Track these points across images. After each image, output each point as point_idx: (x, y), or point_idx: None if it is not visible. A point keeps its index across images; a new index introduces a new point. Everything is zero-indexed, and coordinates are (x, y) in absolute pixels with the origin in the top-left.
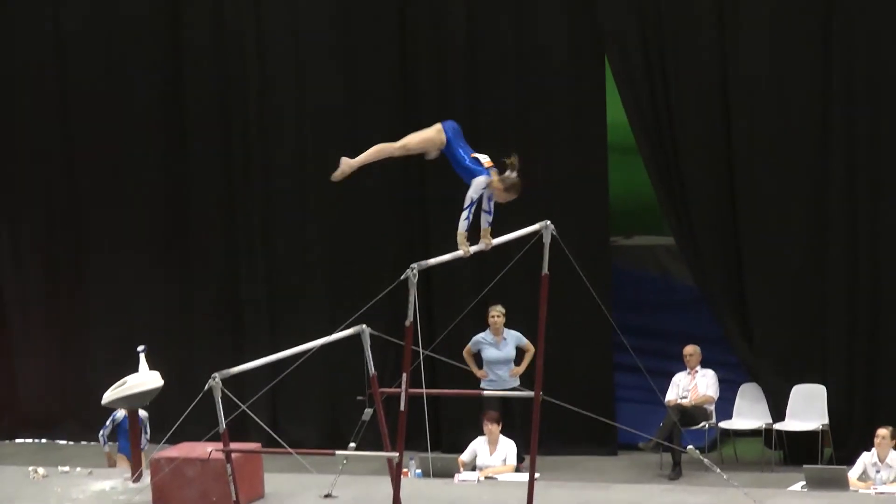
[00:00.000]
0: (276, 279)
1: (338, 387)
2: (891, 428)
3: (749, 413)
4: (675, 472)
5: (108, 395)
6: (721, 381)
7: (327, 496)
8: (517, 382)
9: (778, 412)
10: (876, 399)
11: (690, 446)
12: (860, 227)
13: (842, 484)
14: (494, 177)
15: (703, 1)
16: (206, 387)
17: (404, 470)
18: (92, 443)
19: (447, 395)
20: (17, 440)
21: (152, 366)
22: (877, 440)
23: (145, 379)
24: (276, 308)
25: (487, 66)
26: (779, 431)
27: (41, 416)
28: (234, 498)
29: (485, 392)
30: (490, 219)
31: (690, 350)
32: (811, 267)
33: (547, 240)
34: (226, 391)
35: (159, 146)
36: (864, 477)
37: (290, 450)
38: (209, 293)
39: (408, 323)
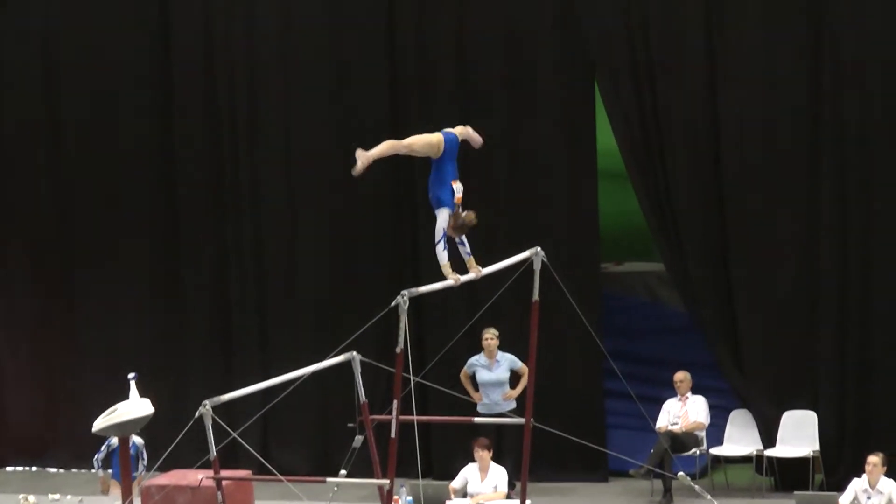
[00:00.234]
0: (266, 306)
1: (328, 414)
2: (881, 455)
3: (740, 439)
4: (666, 499)
5: (99, 423)
6: (712, 408)
7: None
8: (512, 405)
9: (769, 438)
10: (867, 425)
11: (681, 473)
12: (850, 253)
13: None
14: (455, 210)
15: (693, 28)
16: (197, 414)
17: (395, 497)
18: (82, 470)
19: (438, 422)
20: (7, 468)
21: (143, 393)
22: (868, 468)
23: (136, 406)
24: (266, 335)
25: (477, 91)
26: (770, 458)
27: (31, 443)
28: None
29: (475, 419)
30: (467, 249)
31: (681, 376)
32: (801, 293)
33: (537, 266)
34: (216, 418)
35: (149, 174)
36: (855, 503)
37: (280, 477)
38: (200, 321)
39: (398, 350)
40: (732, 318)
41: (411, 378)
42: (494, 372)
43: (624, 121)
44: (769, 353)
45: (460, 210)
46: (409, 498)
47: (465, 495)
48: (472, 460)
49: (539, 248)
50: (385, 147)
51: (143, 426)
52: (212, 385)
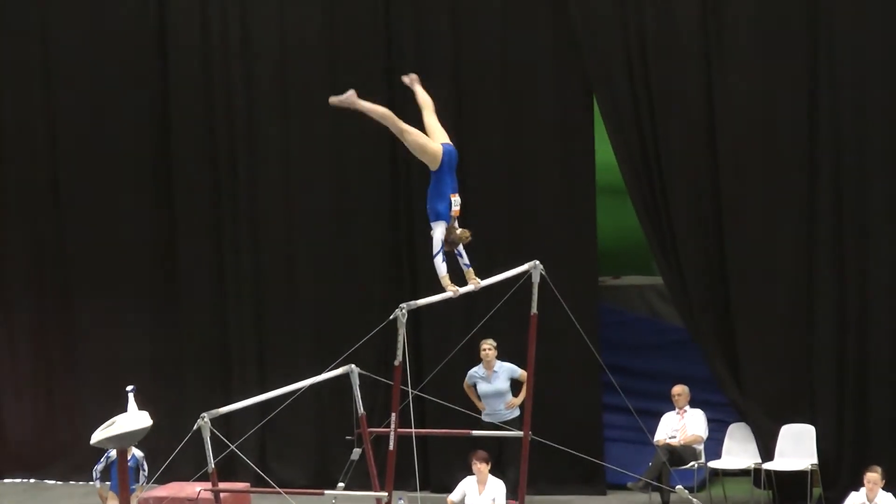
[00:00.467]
0: (264, 319)
1: (327, 426)
2: (880, 470)
3: (738, 453)
4: None
5: (97, 436)
6: (710, 421)
7: None
8: (516, 413)
9: (767, 452)
10: (865, 439)
11: (679, 486)
12: (848, 267)
13: None
14: (451, 225)
15: (691, 41)
16: (196, 426)
17: None
18: (80, 482)
19: (436, 435)
20: (6, 480)
21: (141, 406)
22: (868, 485)
23: (134, 419)
24: (265, 348)
25: (475, 105)
26: (768, 471)
27: (29, 455)
28: None
29: (473, 433)
30: (466, 261)
31: (679, 390)
32: (799, 307)
33: (536, 279)
34: (215, 431)
35: (147, 189)
36: None
37: (278, 489)
38: (198, 334)
39: (396, 362)
40: (730, 333)
41: (409, 391)
42: (493, 383)
43: (622, 136)
44: (767, 368)
45: (456, 225)
46: None
47: None
48: (471, 473)
49: (537, 262)
50: (378, 111)
51: (141, 439)
52: (210, 398)
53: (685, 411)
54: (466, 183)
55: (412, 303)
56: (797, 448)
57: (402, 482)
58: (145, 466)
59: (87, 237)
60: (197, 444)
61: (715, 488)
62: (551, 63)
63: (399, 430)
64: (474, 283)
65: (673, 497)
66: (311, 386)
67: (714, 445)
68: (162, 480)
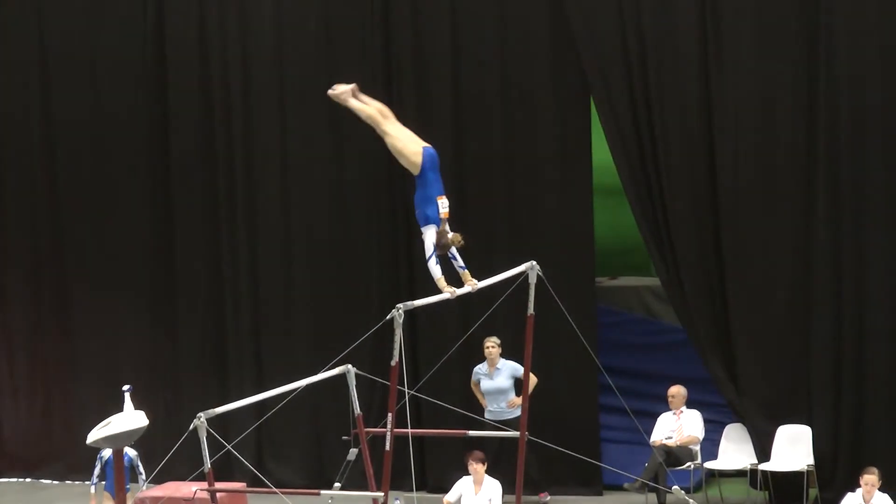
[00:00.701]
0: (262, 320)
1: (323, 427)
2: (876, 471)
3: (734, 453)
4: None
5: (93, 435)
6: (706, 422)
7: None
8: (517, 413)
9: (763, 453)
10: (862, 440)
11: (676, 486)
12: (846, 269)
13: None
14: (441, 228)
15: (689, 43)
16: (192, 426)
17: None
18: (77, 482)
19: (432, 435)
20: (2, 479)
21: (137, 405)
22: (865, 486)
23: (130, 419)
24: (261, 348)
25: (473, 106)
26: (764, 472)
27: (26, 455)
28: None
29: (470, 433)
30: (461, 263)
31: (675, 391)
32: (797, 309)
33: (533, 280)
34: (211, 430)
35: (145, 188)
36: None
37: (275, 489)
38: (195, 334)
39: (393, 363)
40: (727, 334)
41: (406, 391)
42: (495, 380)
43: (620, 137)
44: (764, 369)
45: (447, 227)
46: None
47: None
48: (467, 473)
49: (534, 263)
50: (365, 112)
51: (137, 438)
52: (207, 398)
53: (681, 412)
54: (464, 184)
55: (409, 303)
56: (794, 449)
57: (399, 482)
58: (140, 466)
59: (84, 237)
60: (193, 444)
61: (711, 489)
62: (549, 64)
63: (395, 430)
64: (471, 285)
65: (669, 498)
66: (308, 386)
67: (710, 446)
68: (158, 480)
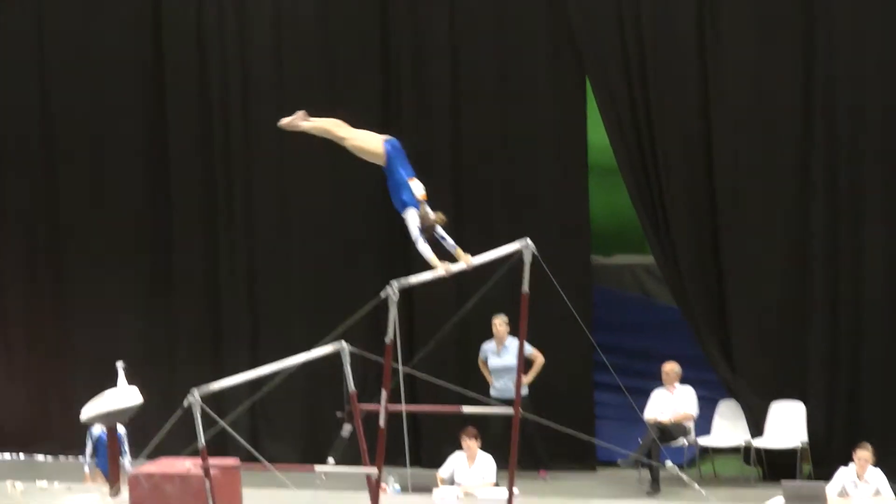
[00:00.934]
0: (257, 297)
1: (317, 403)
2: (870, 447)
3: (728, 430)
4: (654, 489)
5: (87, 412)
6: (700, 399)
7: None
8: (524, 391)
9: (757, 429)
10: (856, 416)
11: (669, 463)
12: (841, 246)
13: (820, 500)
14: (421, 210)
15: (685, 22)
16: (186, 403)
17: (383, 485)
18: (70, 458)
19: (426, 412)
20: None
21: (132, 382)
22: (858, 462)
23: (124, 395)
24: (257, 325)
25: (469, 87)
26: (758, 448)
27: (20, 431)
28: None
29: (463, 409)
30: (451, 242)
31: (669, 367)
32: (792, 286)
33: (527, 258)
34: (205, 407)
35: (141, 165)
36: (842, 493)
37: (269, 465)
38: (190, 312)
39: (388, 340)
40: (722, 312)
41: (400, 368)
42: (503, 358)
43: (615, 116)
44: (759, 346)
45: (427, 209)
46: (397, 486)
47: (452, 483)
48: (460, 449)
49: (529, 240)
50: (318, 127)
51: (131, 415)
52: (201, 375)
53: (675, 388)
54: (462, 164)
55: (403, 280)
56: (787, 425)
57: (392, 458)
58: (126, 445)
59: (80, 215)
60: (187, 421)
61: (705, 465)
62: (545, 46)
63: (389, 407)
64: (465, 261)
65: (663, 474)
66: (303, 363)
67: (704, 422)
68: (152, 456)
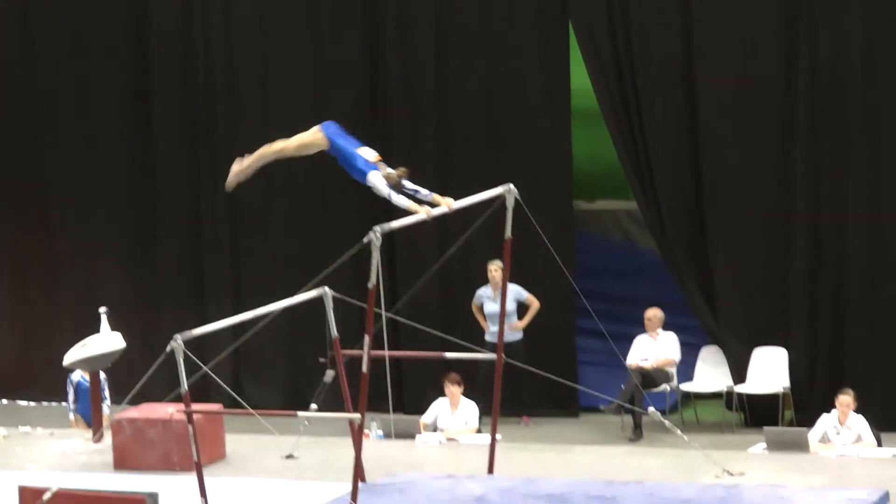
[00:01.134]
0: (239, 243)
1: (300, 349)
2: (852, 393)
3: (710, 376)
4: (637, 434)
5: (69, 357)
6: (683, 345)
7: (289, 457)
8: (519, 336)
9: (739, 375)
10: (838, 363)
11: (652, 408)
12: (824, 192)
13: (802, 445)
14: (382, 170)
15: None
16: (169, 348)
17: (365, 431)
18: (53, 403)
19: (409, 358)
20: None
21: (115, 328)
22: (840, 408)
23: (106, 341)
24: (239, 271)
25: (452, 31)
26: (740, 394)
27: (3, 377)
28: (195, 459)
29: (446, 355)
30: (426, 191)
31: (651, 313)
32: (775, 232)
33: (510, 203)
34: (188, 352)
35: (126, 114)
36: (824, 439)
37: (251, 411)
38: (173, 256)
39: (371, 285)
40: (705, 258)
41: (383, 313)
42: (498, 303)
43: (598, 61)
44: (741, 292)
45: (386, 167)
46: (380, 432)
47: (435, 430)
48: (443, 395)
49: (511, 185)
50: (256, 156)
51: (114, 361)
52: (184, 320)
53: (658, 334)
54: (443, 109)
55: (385, 225)
56: (769, 371)
57: (376, 404)
58: (106, 391)
59: (65, 163)
60: (170, 367)
61: (687, 411)
62: None
63: (372, 352)
64: (447, 205)
65: (645, 419)
66: (286, 309)
67: (686, 368)
68: (135, 402)
